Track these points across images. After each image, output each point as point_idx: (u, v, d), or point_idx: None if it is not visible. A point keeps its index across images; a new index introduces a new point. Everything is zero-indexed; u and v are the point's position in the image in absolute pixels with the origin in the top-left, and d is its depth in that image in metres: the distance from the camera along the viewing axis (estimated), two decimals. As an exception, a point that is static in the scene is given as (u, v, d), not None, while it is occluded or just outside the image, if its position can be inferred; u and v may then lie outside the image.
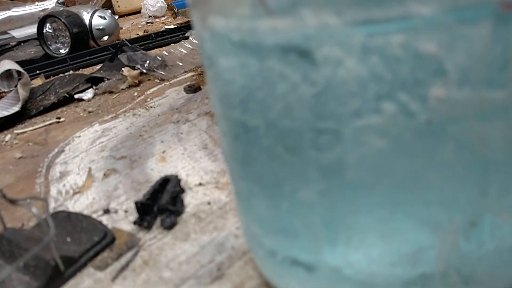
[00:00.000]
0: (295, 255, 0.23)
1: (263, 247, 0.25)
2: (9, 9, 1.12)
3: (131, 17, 1.57)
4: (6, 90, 0.70)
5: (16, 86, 0.66)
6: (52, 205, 0.41)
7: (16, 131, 0.59)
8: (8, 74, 0.72)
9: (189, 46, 0.77)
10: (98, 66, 0.82)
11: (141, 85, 0.70)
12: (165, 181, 0.39)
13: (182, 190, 0.39)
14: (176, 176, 0.40)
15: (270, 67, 0.18)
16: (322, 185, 0.19)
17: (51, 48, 0.92)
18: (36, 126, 0.60)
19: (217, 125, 0.24)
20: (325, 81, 0.17)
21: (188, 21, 1.11)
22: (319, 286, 0.23)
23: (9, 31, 1.10)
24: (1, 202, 0.35)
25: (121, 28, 1.15)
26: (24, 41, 1.11)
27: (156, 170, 0.44)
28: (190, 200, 0.38)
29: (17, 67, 0.67)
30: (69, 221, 0.36)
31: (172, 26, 1.11)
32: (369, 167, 0.18)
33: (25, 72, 0.65)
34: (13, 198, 0.32)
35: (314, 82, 0.17)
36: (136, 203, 0.35)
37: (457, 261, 0.20)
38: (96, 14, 0.93)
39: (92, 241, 0.33)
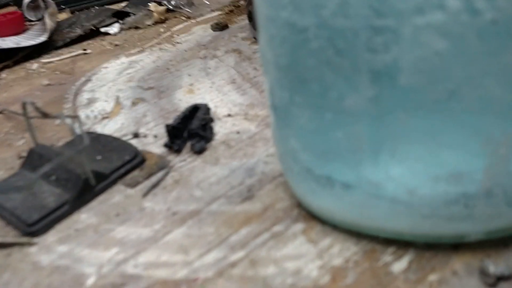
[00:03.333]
0: (332, 171, 0.23)
1: (299, 164, 0.24)
2: None
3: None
4: (33, 19, 0.69)
5: (43, 16, 0.65)
6: (78, 130, 0.41)
7: (43, 61, 0.59)
8: (35, 5, 0.71)
9: (217, -15, 0.75)
10: (124, 4, 0.81)
11: (167, 21, 0.68)
12: (195, 109, 0.38)
13: (212, 119, 0.39)
14: (206, 105, 0.39)
15: (329, -46, 0.16)
16: (372, 91, 0.19)
17: (75, -16, 0.90)
18: (63, 57, 0.59)
19: (259, 33, 0.23)
20: (389, -31, 0.16)
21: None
22: (355, 204, 0.23)
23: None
24: (32, 121, 0.35)
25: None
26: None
27: (184, 101, 0.43)
28: (219, 129, 0.37)
29: (43, -3, 0.67)
30: (99, 141, 0.36)
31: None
32: (425, 71, 0.18)
33: (52, 2, 0.64)
34: (46, 112, 0.32)
35: (377, -29, 0.16)
36: (167, 126, 0.35)
37: (504, 179, 0.20)
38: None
39: (122, 159, 0.33)
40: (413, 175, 0.20)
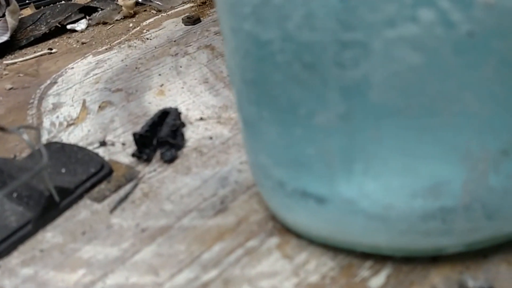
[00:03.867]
0: (306, 186, 0.22)
1: (271, 179, 0.23)
2: None
3: None
4: (-7, 18, 0.66)
5: (4, 14, 0.62)
6: (45, 137, 0.39)
7: (5, 62, 0.56)
8: (-6, 1, 0.68)
9: (188, -24, 0.73)
10: (91, -3, 0.78)
11: (137, 16, 0.66)
12: (164, 114, 0.37)
13: (183, 124, 0.37)
14: (176, 109, 0.38)
15: (291, -35, 0.15)
16: (343, 107, 0.18)
17: (40, -23, 0.87)
18: (27, 57, 0.57)
19: (224, 42, 0.21)
20: (356, -19, 0.14)
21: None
22: (330, 219, 0.22)
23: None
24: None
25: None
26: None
27: (154, 104, 0.42)
28: (191, 134, 0.36)
29: (4, -7, 0.63)
30: (63, 152, 0.34)
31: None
32: (398, 87, 0.16)
33: (13, -1, 0.61)
34: (3, 126, 0.30)
35: (343, -17, 0.15)
36: (135, 134, 0.33)
37: (483, 193, 0.19)
38: None
39: (88, 172, 0.31)
40: (388, 191, 0.20)
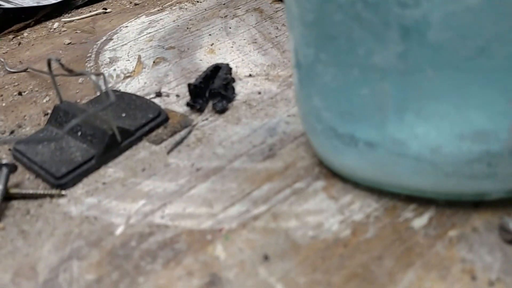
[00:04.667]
0: (357, 129, 0.23)
1: (322, 122, 0.24)
2: None
3: None
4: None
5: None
6: (103, 87, 0.41)
7: (63, 20, 0.59)
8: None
9: None
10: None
11: (187, -20, 0.67)
12: (216, 69, 0.38)
13: (233, 79, 0.39)
14: (227, 65, 0.39)
15: None
16: (401, 47, 0.19)
17: None
18: (83, 16, 0.60)
19: (287, -11, 0.22)
20: None
21: None
22: (378, 162, 0.23)
23: None
24: (56, 79, 0.35)
25: None
26: None
27: (205, 61, 0.43)
28: (240, 89, 0.38)
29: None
30: (123, 99, 0.36)
31: None
32: (455, 27, 0.17)
33: (71, -40, 0.63)
34: (71, 69, 0.32)
35: None
36: (189, 85, 0.35)
37: (530, 138, 0.20)
38: None
39: (146, 117, 0.34)
40: (437, 134, 0.21)
